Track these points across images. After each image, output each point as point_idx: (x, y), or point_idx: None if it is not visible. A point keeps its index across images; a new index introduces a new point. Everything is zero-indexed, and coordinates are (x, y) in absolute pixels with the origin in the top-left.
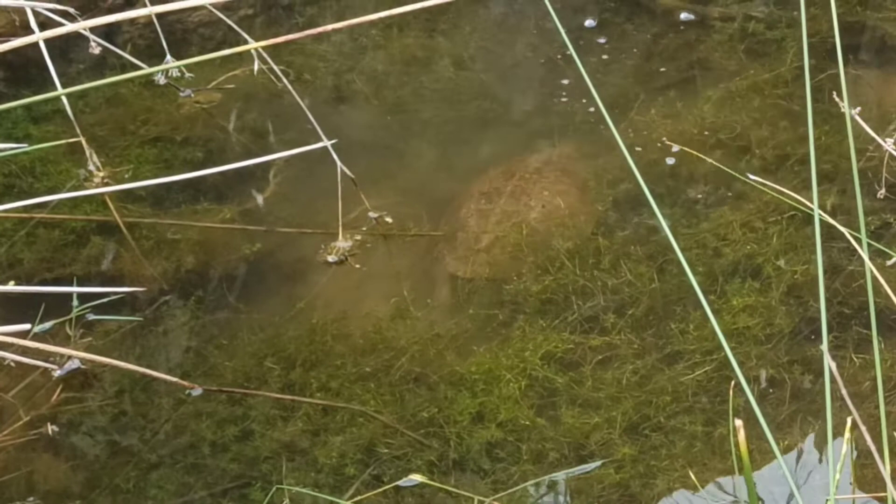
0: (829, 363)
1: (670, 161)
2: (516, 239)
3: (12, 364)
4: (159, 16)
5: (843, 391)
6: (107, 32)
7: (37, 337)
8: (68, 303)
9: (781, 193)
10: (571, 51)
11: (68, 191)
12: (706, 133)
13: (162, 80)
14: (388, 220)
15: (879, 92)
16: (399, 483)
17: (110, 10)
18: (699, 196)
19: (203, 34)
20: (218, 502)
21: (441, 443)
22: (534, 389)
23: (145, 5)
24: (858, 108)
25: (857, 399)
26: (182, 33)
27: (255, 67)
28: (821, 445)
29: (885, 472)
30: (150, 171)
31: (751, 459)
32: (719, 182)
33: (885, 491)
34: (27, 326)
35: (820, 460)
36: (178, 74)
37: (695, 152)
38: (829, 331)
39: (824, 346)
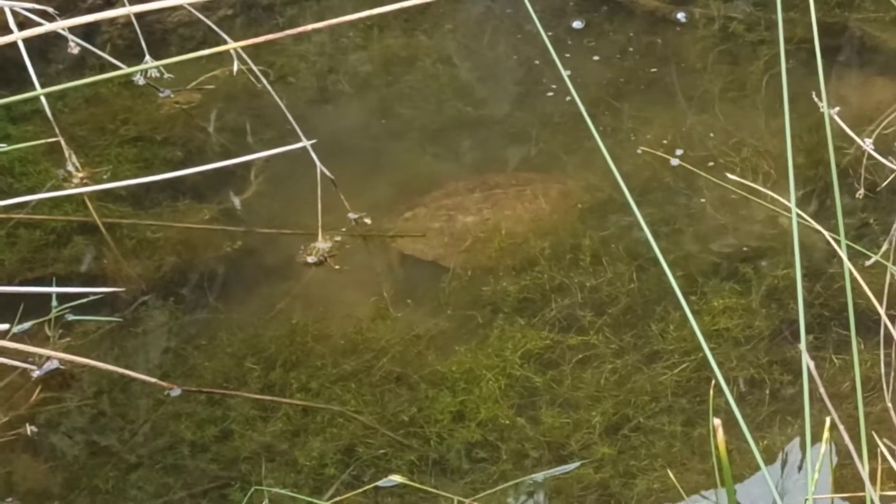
0: (807, 362)
1: (657, 162)
2: (496, 238)
3: None
4: (138, 16)
5: (822, 391)
6: (86, 32)
7: (15, 337)
8: (48, 303)
9: (761, 194)
10: (551, 50)
11: (48, 191)
12: (690, 135)
13: (141, 81)
14: (367, 221)
15: (859, 92)
16: (379, 484)
17: (90, 10)
18: (682, 197)
19: (183, 34)
20: (197, 503)
21: (421, 443)
22: (514, 389)
23: (124, 5)
24: (838, 108)
25: (836, 400)
26: (161, 34)
27: (235, 68)
28: (800, 446)
29: (864, 472)
30: (130, 171)
31: (730, 460)
32: (701, 183)
33: (863, 491)
34: (6, 327)
35: (800, 463)
36: (158, 75)
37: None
38: (810, 332)
39: (802, 346)
